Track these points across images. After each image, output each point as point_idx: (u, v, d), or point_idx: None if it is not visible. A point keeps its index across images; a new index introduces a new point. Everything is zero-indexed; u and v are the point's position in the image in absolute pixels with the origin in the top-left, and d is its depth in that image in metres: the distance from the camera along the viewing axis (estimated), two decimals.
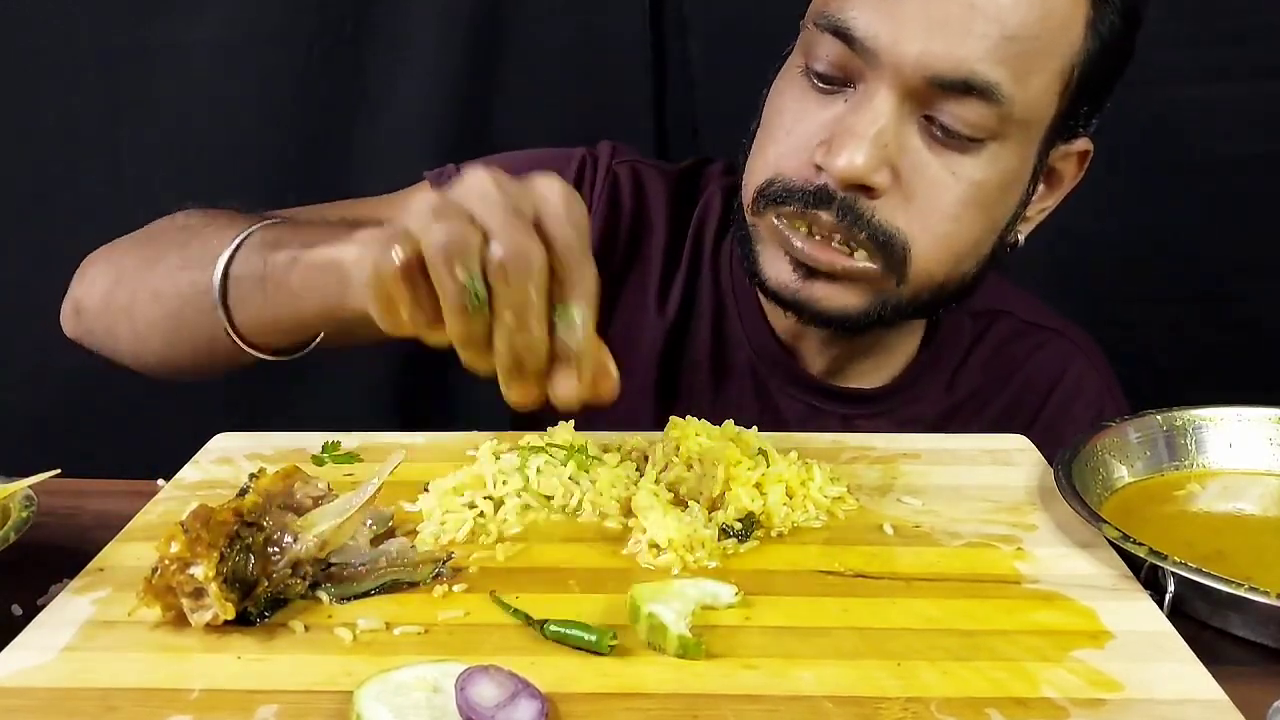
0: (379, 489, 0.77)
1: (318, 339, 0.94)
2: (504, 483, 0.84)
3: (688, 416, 0.88)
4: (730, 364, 1.12)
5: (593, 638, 0.67)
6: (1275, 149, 1.37)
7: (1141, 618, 0.71)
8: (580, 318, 0.67)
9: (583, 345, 0.67)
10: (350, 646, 0.68)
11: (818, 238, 0.95)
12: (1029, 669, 0.65)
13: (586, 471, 0.86)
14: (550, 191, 0.67)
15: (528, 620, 0.69)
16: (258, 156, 1.48)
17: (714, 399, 1.12)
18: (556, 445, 0.88)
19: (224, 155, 1.48)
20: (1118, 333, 1.45)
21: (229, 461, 0.93)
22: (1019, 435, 0.97)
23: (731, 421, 0.88)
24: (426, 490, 0.85)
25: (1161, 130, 1.37)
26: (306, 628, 0.69)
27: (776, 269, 0.98)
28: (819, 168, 0.94)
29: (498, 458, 0.87)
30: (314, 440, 0.96)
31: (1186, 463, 0.92)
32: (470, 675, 0.61)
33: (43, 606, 0.71)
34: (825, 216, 0.94)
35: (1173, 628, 0.70)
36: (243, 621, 0.69)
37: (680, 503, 0.82)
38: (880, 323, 1.00)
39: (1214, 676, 0.64)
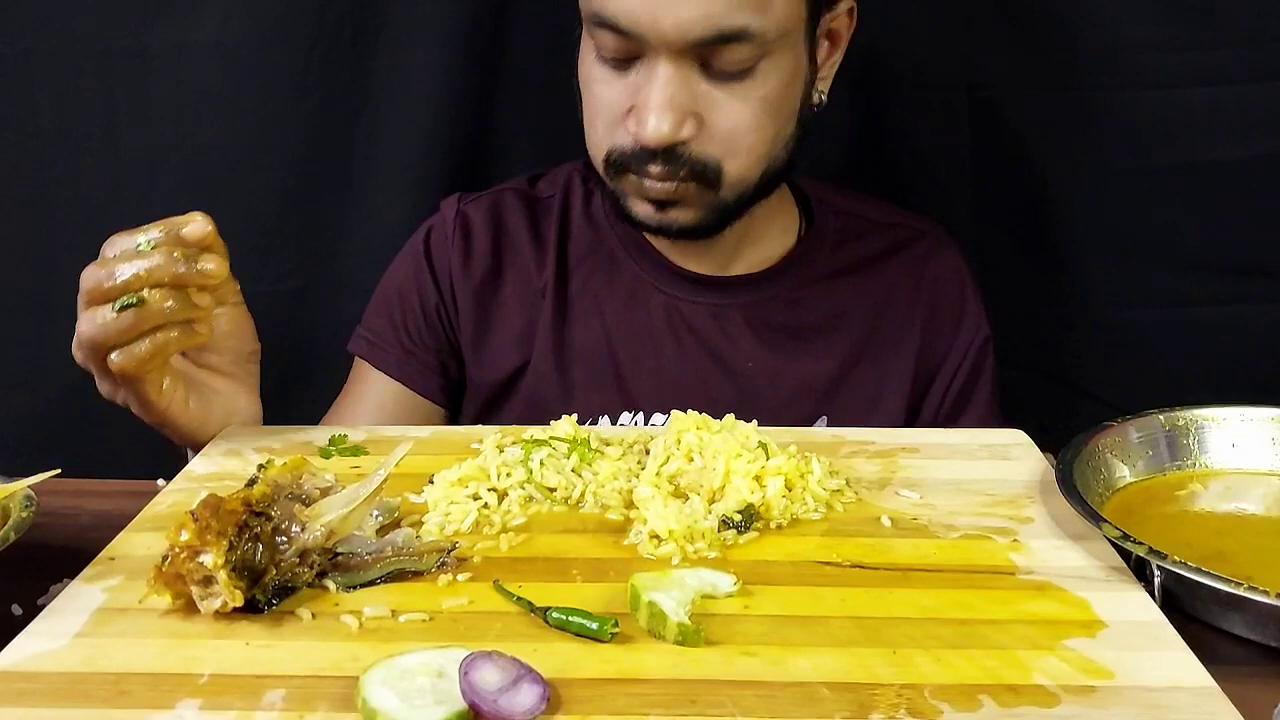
0: (385, 480, 0.79)
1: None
2: (508, 475, 0.85)
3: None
4: (637, 293, 1.24)
5: (594, 625, 0.68)
6: (1273, 150, 1.37)
7: (1134, 608, 0.72)
8: (140, 238, 0.89)
9: (158, 231, 0.89)
10: (356, 633, 0.69)
11: (656, 181, 1.10)
12: (1022, 657, 0.66)
13: (589, 464, 0.87)
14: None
15: (530, 608, 0.70)
16: (257, 158, 1.48)
17: (624, 321, 1.23)
18: (559, 438, 0.89)
19: (224, 156, 1.48)
20: (1118, 333, 1.47)
21: (237, 454, 0.94)
22: (1017, 430, 0.98)
23: (732, 416, 0.90)
24: (432, 482, 0.86)
25: (1159, 132, 1.38)
26: (314, 615, 0.71)
27: (640, 208, 1.13)
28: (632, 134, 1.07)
29: (502, 450, 0.89)
30: (321, 433, 0.97)
31: (1189, 462, 0.92)
32: (474, 660, 0.62)
33: (43, 606, 0.72)
34: (654, 168, 1.08)
35: (1164, 617, 0.71)
36: (251, 609, 0.70)
37: (681, 495, 0.83)
38: (721, 223, 1.15)
39: (1214, 676, 0.64)
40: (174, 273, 0.87)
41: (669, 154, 1.07)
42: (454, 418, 1.29)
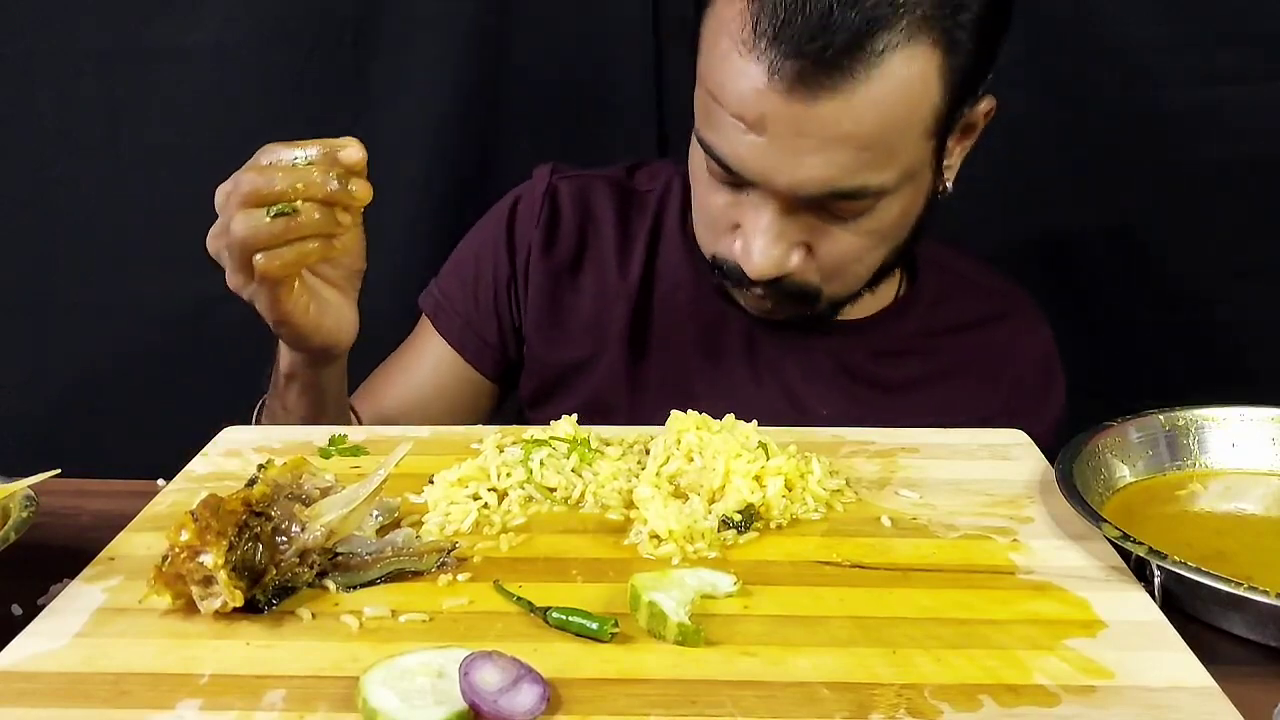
0: (385, 480, 0.79)
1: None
2: (508, 475, 0.85)
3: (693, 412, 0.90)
4: (724, 318, 1.21)
5: (594, 625, 0.68)
6: (1271, 151, 1.38)
7: (1134, 608, 0.72)
8: (299, 153, 0.90)
9: (316, 149, 0.90)
10: (356, 633, 0.69)
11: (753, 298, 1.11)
12: (1022, 657, 0.66)
13: (589, 464, 0.87)
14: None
15: (530, 608, 0.70)
16: None
17: (704, 346, 1.22)
18: (559, 438, 0.89)
19: (224, 157, 1.48)
20: (1118, 333, 1.47)
21: (237, 454, 0.94)
22: (1017, 430, 0.98)
23: (732, 415, 0.90)
24: (432, 482, 0.86)
25: (1158, 132, 1.38)
26: (314, 615, 0.71)
27: (741, 299, 1.14)
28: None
29: (502, 450, 0.89)
30: (321, 433, 0.97)
31: (1189, 462, 0.92)
32: (474, 660, 0.62)
33: (43, 606, 0.72)
34: (755, 290, 1.08)
35: (1164, 617, 0.71)
36: (251, 609, 0.70)
37: (681, 495, 0.83)
38: (829, 316, 1.15)
39: (1214, 676, 0.65)
40: (327, 190, 0.89)
41: (767, 284, 1.06)
42: (506, 397, 1.28)
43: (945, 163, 1.10)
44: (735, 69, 0.97)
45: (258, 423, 1.13)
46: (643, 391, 1.20)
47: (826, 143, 0.97)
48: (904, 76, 0.96)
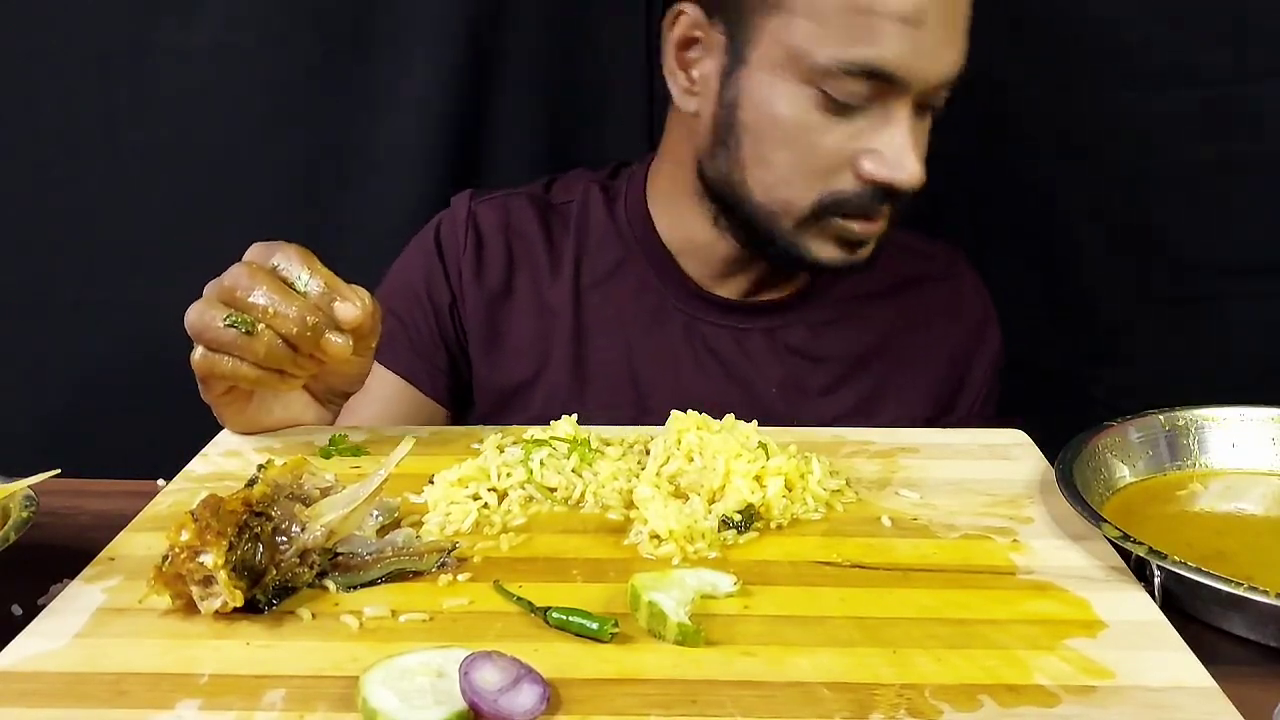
0: (385, 480, 0.79)
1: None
2: (508, 475, 0.85)
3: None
4: (660, 313, 1.23)
5: (594, 625, 0.68)
6: (1271, 149, 1.38)
7: (1135, 608, 0.72)
8: (305, 276, 0.87)
9: (322, 284, 0.88)
10: (356, 633, 0.69)
11: (871, 218, 1.11)
12: (1022, 657, 0.66)
13: (589, 464, 0.87)
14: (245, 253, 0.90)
15: (530, 608, 0.70)
16: (258, 159, 1.48)
17: (645, 342, 1.23)
18: (559, 438, 0.89)
19: (224, 157, 1.48)
20: (1117, 332, 1.47)
21: (237, 454, 0.94)
22: (1017, 430, 0.98)
23: (732, 415, 0.90)
24: (432, 482, 0.86)
25: (1157, 132, 1.38)
26: (314, 615, 0.71)
27: (829, 252, 1.13)
28: (868, 177, 1.07)
29: (502, 451, 0.89)
30: (321, 433, 0.97)
31: (1189, 462, 0.92)
32: (474, 660, 0.62)
33: (43, 606, 0.72)
34: (884, 208, 1.10)
35: (1164, 618, 0.71)
36: (251, 609, 0.70)
37: (681, 495, 0.83)
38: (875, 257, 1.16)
39: (1214, 677, 0.64)
40: (295, 333, 0.86)
41: (902, 193, 1.08)
42: (459, 418, 1.29)
43: None
44: None
45: None
46: (592, 397, 1.21)
47: (958, 25, 1.05)
48: None
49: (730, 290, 1.23)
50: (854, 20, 1.02)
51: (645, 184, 1.26)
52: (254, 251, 0.90)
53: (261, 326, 0.86)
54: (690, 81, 1.15)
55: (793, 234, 1.12)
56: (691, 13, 1.12)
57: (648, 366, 1.22)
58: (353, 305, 0.87)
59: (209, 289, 0.89)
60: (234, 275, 0.87)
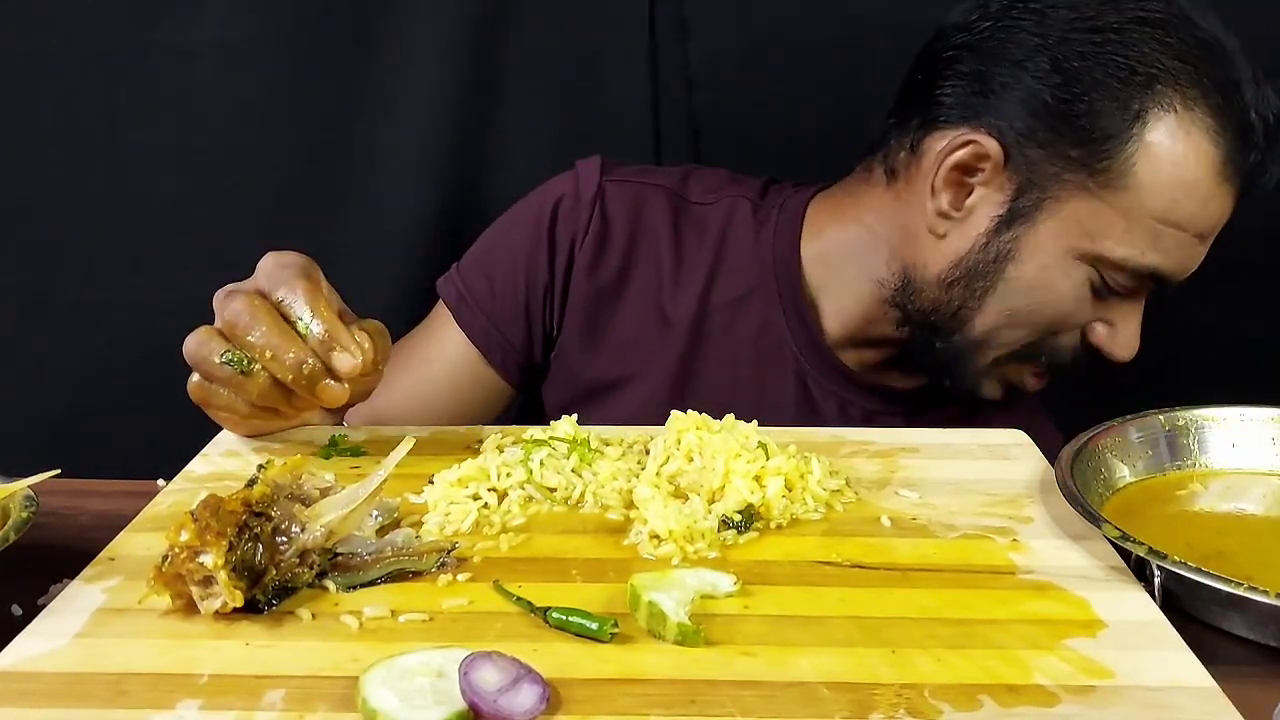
0: (385, 480, 0.79)
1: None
2: (508, 475, 0.85)
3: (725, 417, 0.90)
4: (779, 358, 1.21)
5: (594, 625, 0.68)
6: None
7: (1134, 608, 0.72)
8: (307, 318, 0.85)
9: (324, 331, 0.85)
10: (356, 633, 0.69)
11: (1043, 376, 1.18)
12: (1021, 657, 0.66)
13: (589, 464, 0.87)
14: (260, 264, 0.89)
15: (530, 608, 0.70)
16: (258, 159, 1.48)
17: (754, 382, 1.21)
18: (559, 439, 0.89)
19: (225, 157, 1.48)
20: None
21: (237, 454, 0.94)
22: (1017, 430, 0.98)
23: (732, 415, 0.89)
24: (431, 482, 0.86)
25: None
26: (313, 615, 0.71)
27: (992, 389, 1.18)
28: (1091, 342, 1.14)
29: (501, 451, 0.89)
30: (321, 433, 0.97)
31: (1189, 462, 0.92)
32: (473, 660, 0.62)
33: (43, 606, 0.72)
34: (1065, 370, 1.16)
35: (1164, 617, 0.71)
36: (251, 609, 0.70)
37: (681, 495, 0.83)
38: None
39: (1214, 677, 0.64)
40: (290, 379, 0.85)
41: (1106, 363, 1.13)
42: (521, 399, 1.25)
43: None
44: (1205, 194, 1.07)
45: None
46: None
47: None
48: None
49: (853, 359, 1.22)
50: (1162, 230, 1.06)
51: (803, 220, 1.22)
52: (269, 270, 0.88)
53: (257, 367, 0.85)
54: (953, 207, 1.12)
55: (977, 368, 1.15)
56: (988, 148, 1.09)
57: (749, 407, 1.12)
58: (350, 357, 0.85)
59: (218, 304, 0.88)
60: (235, 309, 0.85)
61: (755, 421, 0.89)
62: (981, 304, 1.13)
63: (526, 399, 1.28)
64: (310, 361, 0.84)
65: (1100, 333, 1.12)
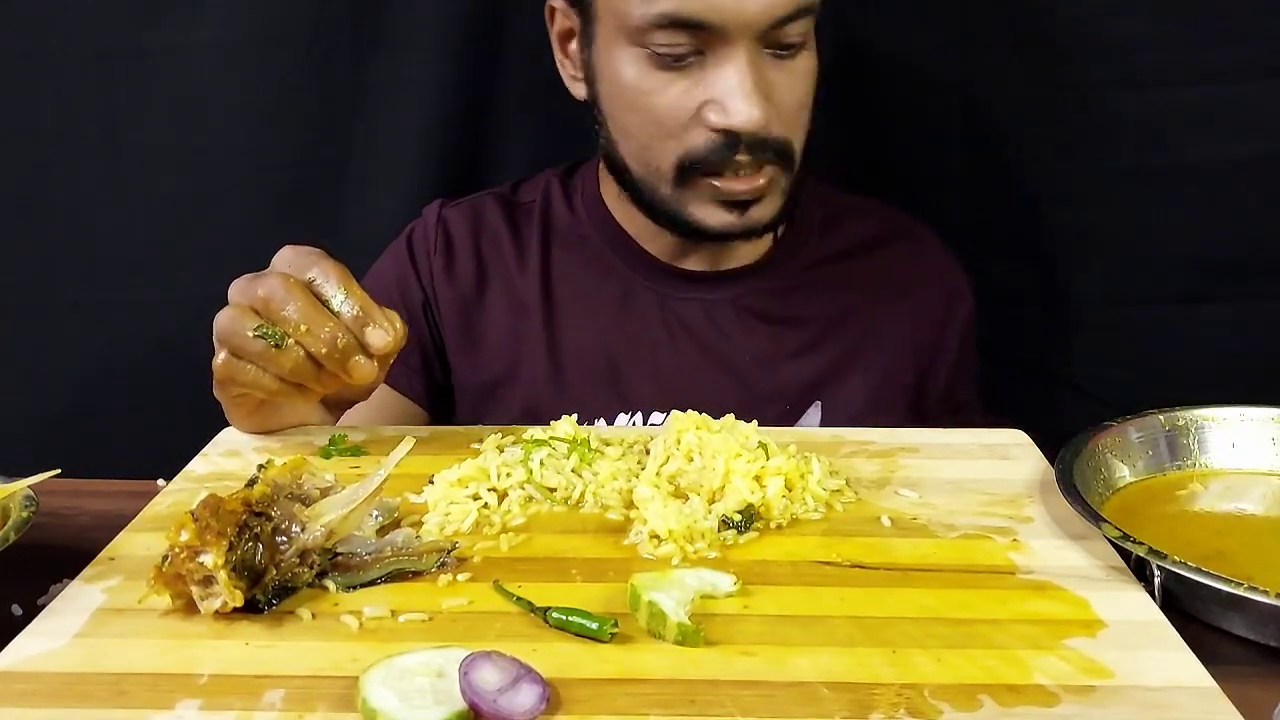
0: (385, 480, 0.79)
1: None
2: (508, 475, 0.85)
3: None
4: (629, 293, 1.25)
5: (594, 625, 0.68)
6: (1270, 149, 1.37)
7: (1134, 608, 0.72)
8: (340, 297, 0.88)
9: (357, 308, 0.88)
10: (356, 633, 0.69)
11: (740, 174, 1.10)
12: (1022, 656, 0.66)
13: (589, 464, 0.87)
14: (278, 255, 0.91)
15: (530, 608, 0.70)
16: (258, 158, 1.48)
17: (617, 325, 1.24)
18: (559, 439, 0.89)
19: (223, 157, 1.48)
20: (1116, 332, 1.47)
21: (237, 454, 0.94)
22: (1018, 430, 0.98)
23: (732, 416, 0.90)
24: (432, 482, 0.86)
25: (1155, 130, 1.38)
26: (313, 615, 0.71)
27: (716, 217, 1.13)
28: (713, 128, 1.07)
29: (501, 451, 0.89)
30: (321, 433, 0.97)
31: (1189, 462, 0.92)
32: (473, 660, 0.62)
33: (43, 606, 0.72)
34: (741, 158, 1.08)
35: (1164, 617, 0.71)
36: (251, 609, 0.70)
37: (681, 495, 0.83)
38: (789, 211, 1.17)
39: (1214, 677, 0.65)
40: (324, 353, 0.87)
41: (755, 141, 1.07)
42: (437, 420, 1.29)
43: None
44: None
45: None
46: (570, 386, 1.22)
47: None
48: None
49: (695, 263, 1.24)
50: None
51: (598, 174, 1.28)
52: (290, 258, 0.90)
53: (291, 341, 0.87)
54: (575, 69, 1.19)
55: (673, 200, 1.13)
56: (559, 5, 1.17)
57: (622, 348, 1.23)
58: (384, 332, 0.88)
59: (240, 292, 0.89)
60: (269, 285, 0.87)
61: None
62: (613, 135, 1.15)
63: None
64: (343, 336, 0.87)
65: (711, 117, 1.07)
